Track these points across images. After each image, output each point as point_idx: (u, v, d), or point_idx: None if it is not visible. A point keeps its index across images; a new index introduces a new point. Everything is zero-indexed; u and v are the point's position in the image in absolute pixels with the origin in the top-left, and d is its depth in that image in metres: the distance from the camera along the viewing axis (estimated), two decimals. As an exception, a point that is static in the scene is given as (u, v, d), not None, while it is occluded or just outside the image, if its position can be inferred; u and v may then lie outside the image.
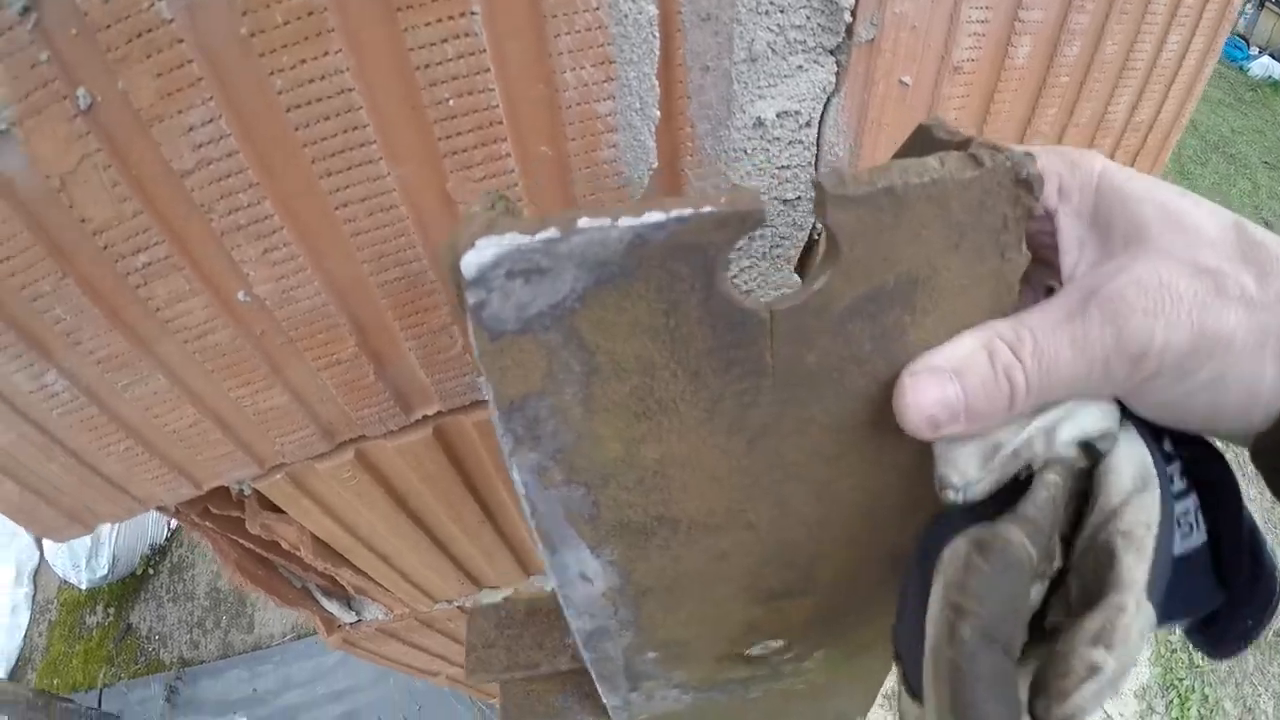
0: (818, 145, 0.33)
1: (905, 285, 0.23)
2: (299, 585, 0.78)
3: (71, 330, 0.33)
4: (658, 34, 0.26)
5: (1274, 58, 4.60)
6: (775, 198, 0.34)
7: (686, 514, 0.28)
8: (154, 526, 2.26)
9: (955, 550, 0.23)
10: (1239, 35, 4.83)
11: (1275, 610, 0.26)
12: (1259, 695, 1.96)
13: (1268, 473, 0.24)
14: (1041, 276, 0.26)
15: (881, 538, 0.32)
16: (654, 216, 0.18)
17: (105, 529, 2.15)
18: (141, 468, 0.45)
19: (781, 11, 0.27)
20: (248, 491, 0.58)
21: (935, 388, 0.23)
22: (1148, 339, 0.22)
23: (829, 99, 0.32)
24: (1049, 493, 0.24)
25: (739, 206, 0.19)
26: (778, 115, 0.31)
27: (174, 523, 2.24)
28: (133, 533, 2.20)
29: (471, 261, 0.18)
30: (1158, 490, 0.24)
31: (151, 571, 2.25)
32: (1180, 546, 0.25)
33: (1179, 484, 0.26)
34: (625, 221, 0.18)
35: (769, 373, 0.23)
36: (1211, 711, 1.89)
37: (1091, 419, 0.24)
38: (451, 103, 0.26)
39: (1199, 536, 0.26)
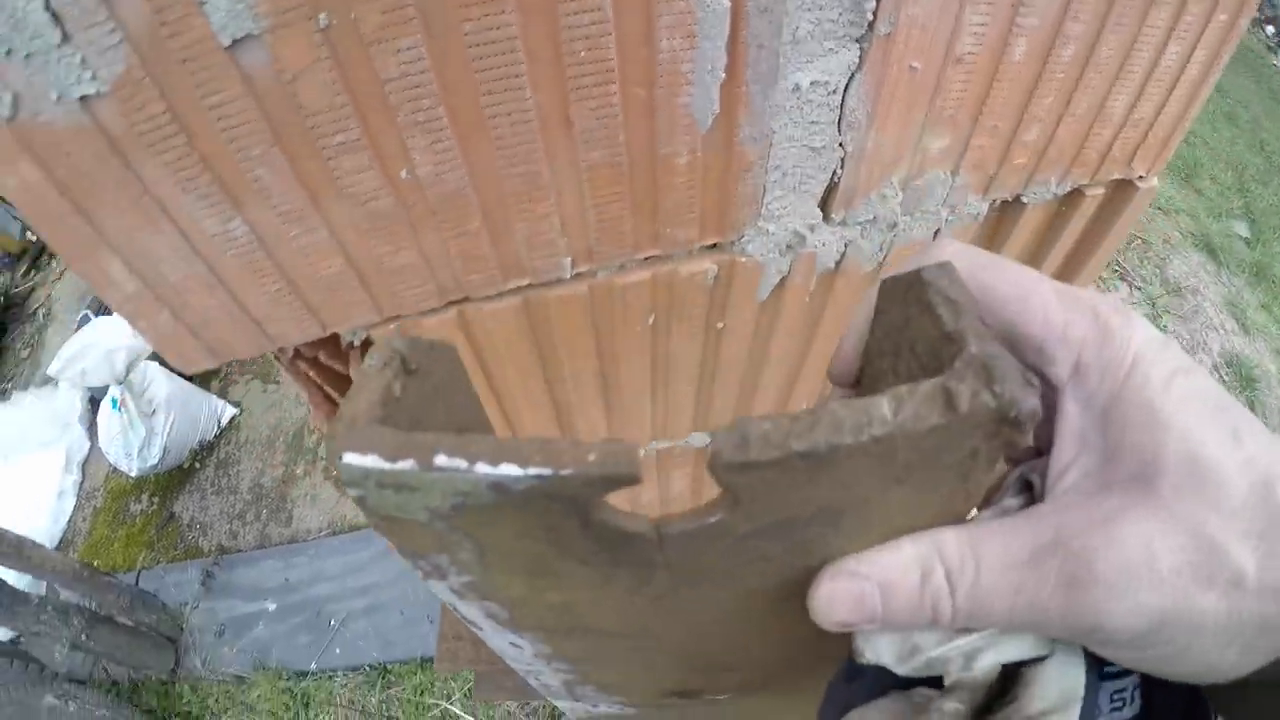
0: (841, 108, 0.44)
1: (827, 514, 0.20)
2: None
3: (265, 187, 0.42)
4: (728, 19, 0.37)
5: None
6: (805, 145, 0.45)
7: (597, 627, 0.28)
8: (205, 423, 2.41)
9: None
10: None
11: None
12: None
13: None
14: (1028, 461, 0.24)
15: (805, 643, 0.30)
16: (510, 470, 0.17)
17: (160, 422, 2.31)
18: (285, 308, 0.54)
19: (820, 8, 0.38)
20: (357, 342, 0.69)
21: (854, 596, 0.21)
22: (1102, 620, 0.19)
23: (852, 75, 0.42)
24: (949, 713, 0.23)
25: (608, 469, 0.17)
26: (811, 83, 0.42)
27: (224, 420, 2.40)
28: (185, 428, 2.35)
29: (342, 470, 0.18)
30: (1078, 709, 0.22)
31: (198, 465, 2.40)
32: (1105, 716, 0.24)
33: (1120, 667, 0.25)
34: (481, 469, 0.17)
35: (661, 566, 0.22)
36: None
37: (1018, 649, 0.22)
38: (582, 54, 0.37)
39: (1130, 711, 0.25)
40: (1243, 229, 3.23)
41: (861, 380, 0.27)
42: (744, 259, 0.61)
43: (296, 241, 0.48)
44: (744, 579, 0.24)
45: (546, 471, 0.17)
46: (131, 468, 2.35)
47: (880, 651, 0.24)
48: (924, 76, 0.45)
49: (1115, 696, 0.24)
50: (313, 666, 1.93)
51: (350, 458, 0.18)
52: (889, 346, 0.24)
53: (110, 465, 2.51)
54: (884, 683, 0.26)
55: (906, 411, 0.18)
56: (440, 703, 1.81)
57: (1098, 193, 0.71)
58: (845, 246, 0.65)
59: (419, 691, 1.84)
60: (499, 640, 0.31)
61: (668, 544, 0.21)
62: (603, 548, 0.21)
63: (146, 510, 2.42)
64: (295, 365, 0.68)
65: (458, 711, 1.78)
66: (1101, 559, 0.19)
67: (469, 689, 1.80)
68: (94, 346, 2.35)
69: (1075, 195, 0.71)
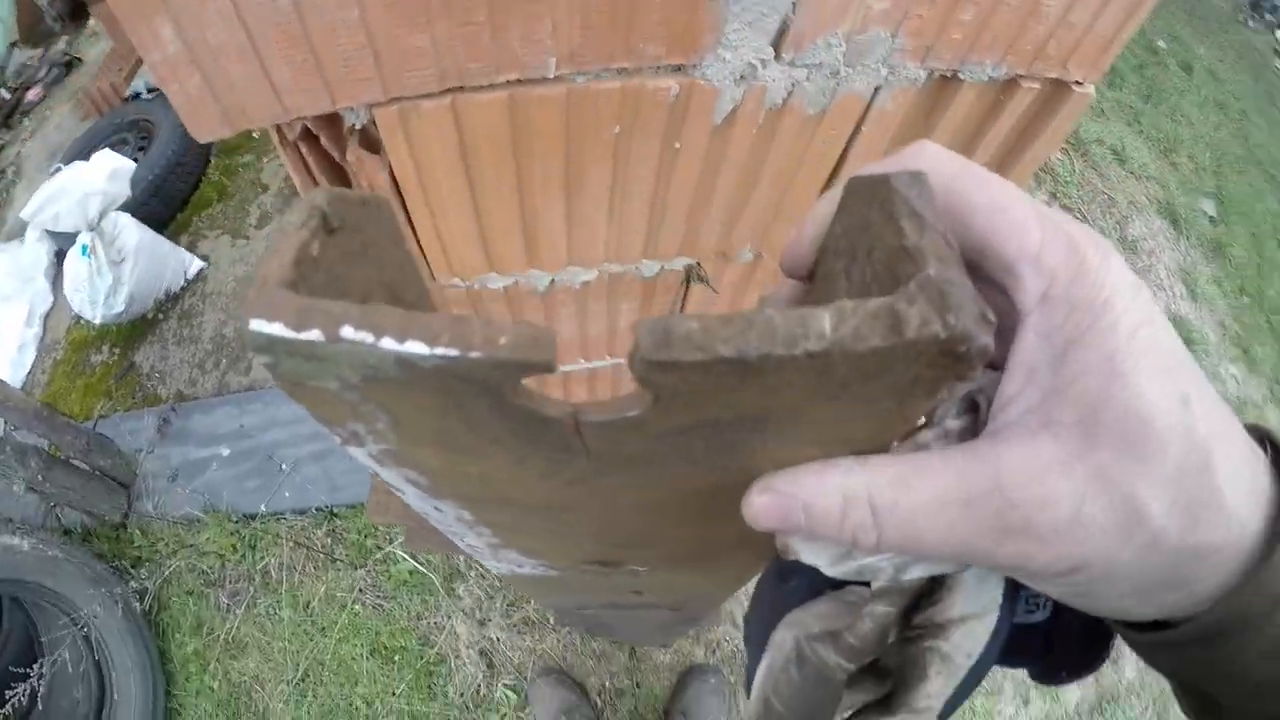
0: None
1: (754, 419, 0.20)
2: None
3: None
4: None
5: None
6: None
7: (516, 500, 0.28)
8: (172, 275, 2.43)
9: (782, 644, 0.25)
10: None
11: (1090, 672, 0.29)
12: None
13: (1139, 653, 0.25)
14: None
15: (726, 529, 0.30)
16: (416, 348, 0.16)
17: (127, 271, 2.32)
18: (304, 80, 0.61)
19: None
20: (358, 125, 0.74)
21: (781, 511, 0.21)
22: (1028, 564, 0.21)
23: None
24: (875, 624, 0.24)
25: (520, 355, 0.16)
26: None
27: (191, 273, 2.42)
28: (151, 278, 2.37)
29: (248, 335, 0.17)
30: (994, 618, 0.24)
31: (162, 316, 2.43)
32: (1019, 618, 0.26)
33: None
34: (388, 344, 0.16)
35: (580, 452, 0.21)
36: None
37: (944, 566, 0.24)
38: None
39: (1040, 615, 0.27)
40: (1210, 208, 3.31)
41: (814, 275, 0.26)
42: (703, 82, 0.68)
43: (330, 16, 0.54)
44: (666, 472, 0.23)
45: (454, 353, 0.16)
46: (96, 315, 2.37)
47: (813, 557, 0.24)
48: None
49: (1029, 601, 0.27)
50: (261, 509, 1.99)
51: (256, 324, 0.17)
52: (845, 247, 0.23)
53: (73, 315, 2.52)
54: (817, 585, 0.27)
55: (847, 328, 0.16)
56: (383, 546, 1.88)
57: (1034, 87, 0.77)
58: (792, 86, 0.72)
59: (363, 535, 1.90)
60: (422, 504, 0.30)
61: (586, 432, 0.20)
62: (518, 430, 0.20)
63: (107, 361, 2.45)
64: (296, 147, 0.73)
65: (400, 554, 1.85)
66: (1036, 514, 0.20)
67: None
68: (68, 191, 2.35)
69: (1012, 85, 0.77)
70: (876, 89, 0.74)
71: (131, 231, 2.36)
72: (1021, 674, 1.92)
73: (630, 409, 0.19)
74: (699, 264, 0.99)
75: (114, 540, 2.08)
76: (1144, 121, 3.40)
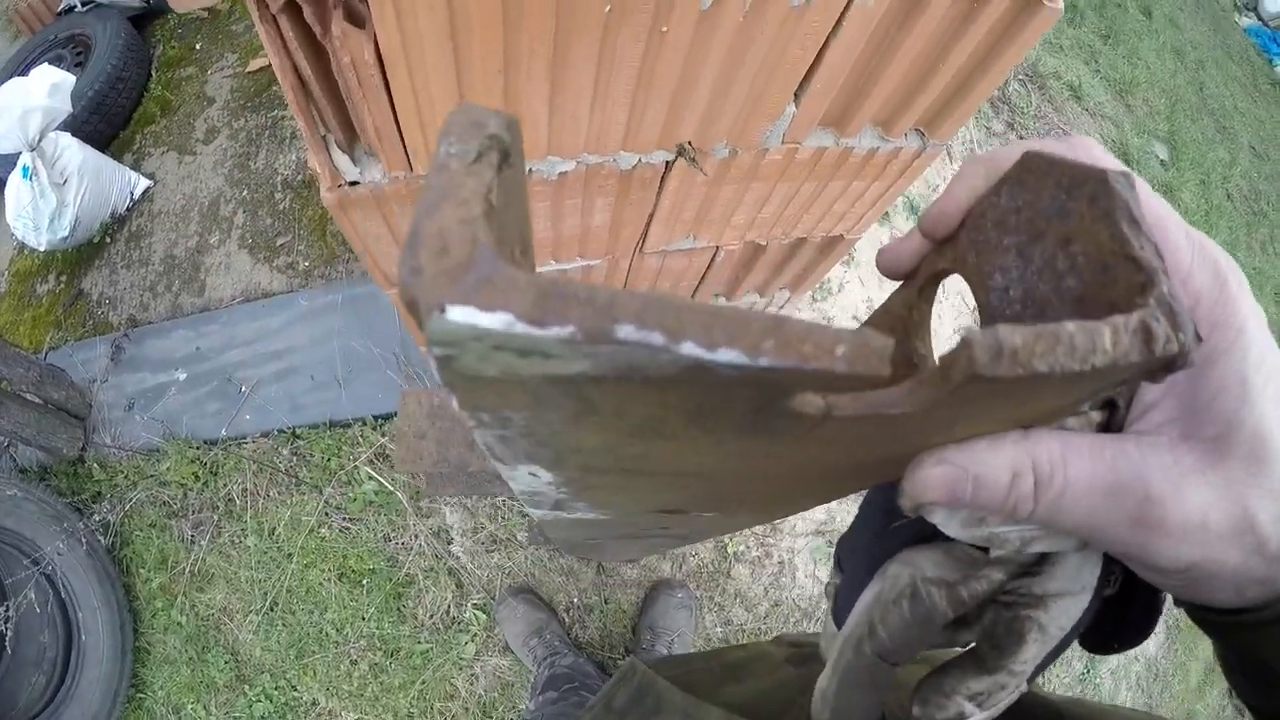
0: None
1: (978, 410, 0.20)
2: (321, 134, 0.91)
3: None
4: None
5: (1309, 65, 4.62)
6: None
7: (650, 469, 0.24)
8: (117, 195, 2.32)
9: (897, 579, 0.27)
10: None
11: (1139, 642, 0.30)
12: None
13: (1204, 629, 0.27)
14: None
15: (818, 495, 0.32)
16: (729, 355, 0.13)
17: (71, 193, 2.22)
18: None
19: None
20: None
21: (950, 482, 0.23)
22: (1152, 557, 0.23)
23: None
24: (988, 587, 0.26)
25: (857, 368, 0.14)
26: None
27: (137, 192, 2.33)
28: (96, 199, 2.26)
29: (438, 329, 0.12)
30: (1089, 597, 0.26)
31: (109, 240, 2.32)
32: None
33: (1115, 588, 0.28)
34: (688, 349, 0.13)
35: (789, 437, 0.20)
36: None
37: (1065, 542, 0.25)
38: None
39: (1112, 590, 0.28)
40: (1163, 152, 3.38)
41: (957, 238, 0.26)
42: None
43: None
44: (849, 449, 0.23)
45: (782, 364, 0.13)
46: (40, 241, 2.26)
47: (948, 518, 0.25)
48: None
49: (1107, 577, 0.28)
50: (222, 434, 1.95)
51: (459, 314, 0.12)
52: (1019, 224, 0.23)
53: (16, 244, 2.41)
54: (925, 531, 0.28)
55: (1121, 346, 0.17)
56: (347, 465, 1.86)
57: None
58: None
59: (326, 455, 1.88)
60: (514, 471, 0.25)
61: (825, 425, 0.18)
62: (756, 424, 0.18)
63: (54, 290, 2.35)
64: (276, 24, 0.69)
65: (366, 471, 1.84)
66: (1171, 514, 0.22)
67: (375, 452, 1.86)
68: (7, 110, 2.22)
69: None
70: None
71: (74, 151, 2.25)
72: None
73: (891, 403, 0.18)
74: (690, 143, 0.99)
75: (72, 476, 2.02)
76: (1101, 61, 3.43)
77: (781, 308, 1.90)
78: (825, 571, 1.91)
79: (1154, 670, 2.28)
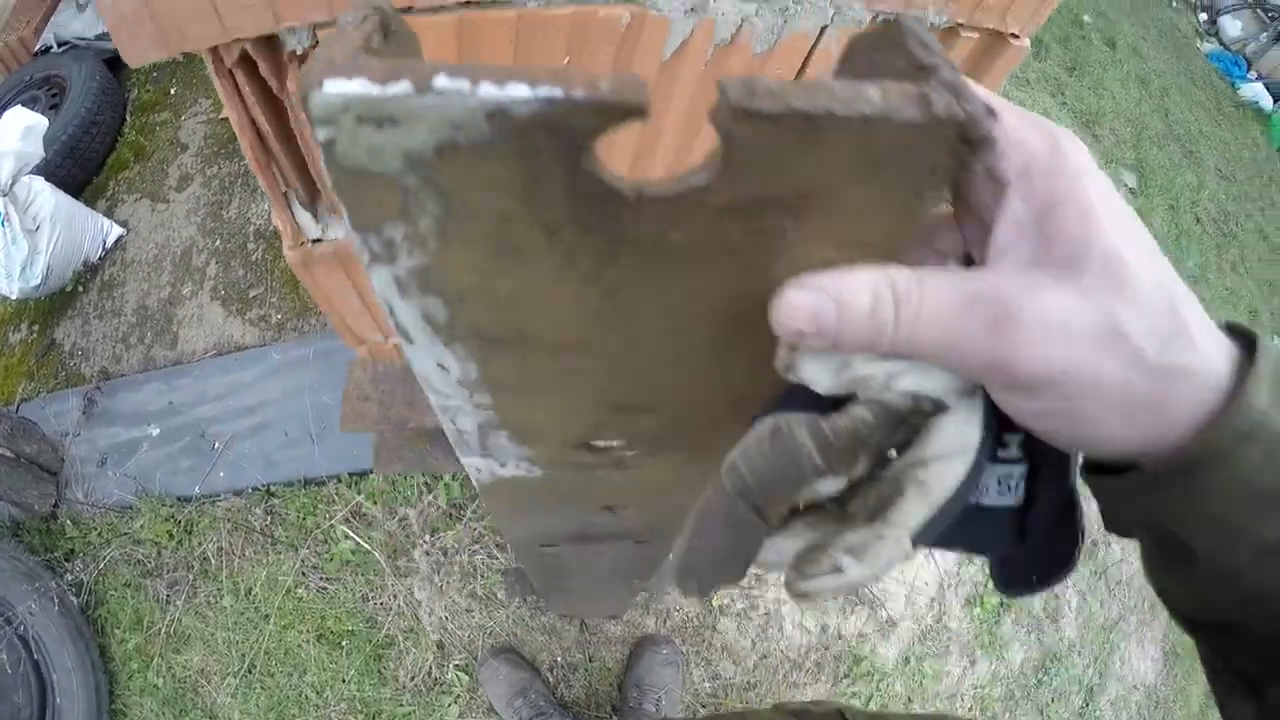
0: None
1: (795, 197, 0.22)
2: (283, 191, 0.89)
3: None
4: None
5: (1268, 89, 4.67)
6: None
7: (538, 335, 0.28)
8: (90, 243, 2.29)
9: (762, 424, 0.27)
10: (1244, 56, 4.89)
11: (1060, 578, 0.30)
12: (1066, 587, 2.24)
13: (1105, 519, 0.28)
14: (973, 232, 0.26)
15: (728, 384, 0.32)
16: (518, 90, 0.17)
17: (44, 240, 2.18)
18: None
19: None
20: (300, 50, 0.69)
21: (813, 306, 0.24)
22: (1016, 355, 0.23)
23: None
24: (851, 424, 0.25)
25: (621, 96, 0.17)
26: None
27: (110, 240, 2.29)
28: (69, 247, 2.22)
29: (317, 102, 0.17)
30: (970, 461, 0.26)
31: (81, 289, 2.28)
32: (990, 500, 0.28)
33: (1014, 452, 0.28)
34: (485, 90, 0.17)
35: (630, 243, 0.23)
36: (1020, 584, 2.16)
37: (932, 381, 0.26)
38: None
39: (1012, 499, 0.29)
40: (1131, 180, 3.41)
41: None
42: (654, 12, 0.66)
43: None
44: (701, 273, 0.25)
45: (557, 93, 0.17)
46: (12, 289, 2.22)
47: (814, 373, 0.26)
48: None
49: (1001, 481, 0.29)
50: (196, 491, 1.91)
51: (331, 85, 0.16)
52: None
53: (-12, 291, 2.37)
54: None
55: (891, 100, 0.19)
56: (323, 524, 1.82)
57: (973, 36, 0.80)
58: (741, 21, 0.71)
59: (302, 514, 1.84)
60: (425, 363, 0.30)
61: (643, 210, 0.21)
62: (577, 211, 0.21)
63: (26, 339, 2.31)
64: (232, 76, 0.68)
65: (342, 530, 1.80)
66: (1025, 312, 0.22)
67: (351, 510, 1.82)
68: (-21, 152, 2.18)
69: (953, 33, 0.79)
70: (823, 29, 0.74)
71: (47, 197, 2.21)
72: (967, 633, 2.00)
73: (697, 178, 0.20)
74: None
75: (44, 532, 1.97)
76: (1068, 93, 3.47)
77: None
78: (813, 622, 1.88)
79: (1154, 698, 2.26)
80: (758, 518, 0.26)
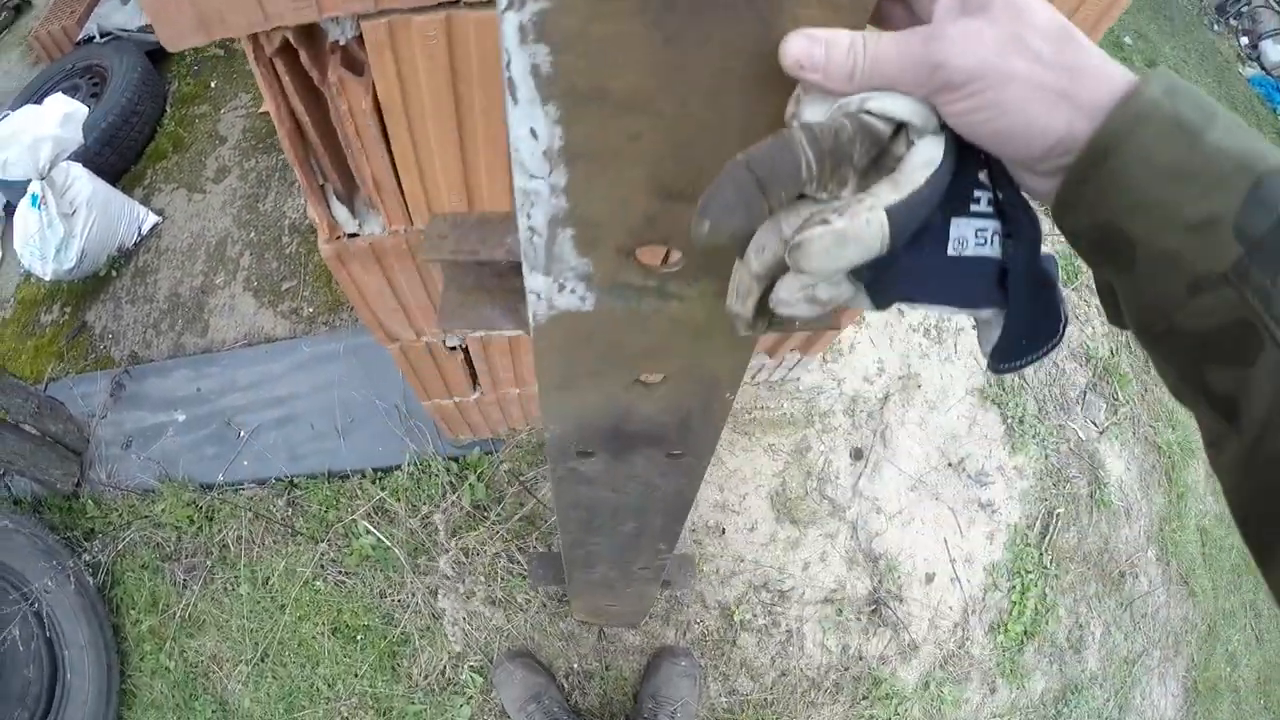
0: None
1: None
2: (320, 183, 0.88)
3: None
4: None
5: (1309, 111, 4.61)
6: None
7: (614, 88, 0.35)
8: (125, 230, 2.31)
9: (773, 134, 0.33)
10: None
11: (1047, 348, 0.36)
12: (1091, 617, 2.20)
13: (1068, 236, 0.34)
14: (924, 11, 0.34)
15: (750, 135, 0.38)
16: None
17: (79, 224, 2.20)
18: None
19: None
20: (344, 40, 0.68)
21: (810, 45, 0.32)
22: (944, 56, 0.30)
23: None
24: (834, 125, 0.31)
25: None
26: None
27: (145, 228, 2.31)
28: (104, 232, 2.24)
29: None
30: (934, 169, 0.31)
31: (115, 274, 2.30)
32: (970, 251, 0.34)
33: (984, 207, 0.34)
34: None
35: None
36: (1048, 611, 2.12)
37: (898, 104, 0.32)
38: None
39: (991, 251, 0.34)
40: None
41: None
42: None
43: None
44: (732, 23, 0.32)
45: None
46: (46, 271, 2.25)
47: (813, 108, 0.33)
48: None
49: (979, 234, 0.34)
50: (219, 479, 1.91)
51: None
52: None
53: (22, 272, 2.39)
54: None
55: None
56: (344, 518, 1.81)
57: None
58: None
59: (324, 507, 1.84)
60: (521, 125, 0.36)
61: None
62: None
63: (58, 321, 2.33)
64: (272, 65, 0.67)
65: (363, 525, 1.79)
66: (949, 30, 0.31)
67: (374, 506, 1.81)
68: (18, 136, 2.21)
69: None
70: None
71: (84, 182, 2.23)
72: (989, 660, 1.96)
73: None
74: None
75: (66, 511, 1.98)
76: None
77: (791, 369, 1.86)
78: (835, 640, 1.85)
79: (1173, 736, 2.20)
80: (760, 191, 0.31)
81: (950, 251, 0.33)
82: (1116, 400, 2.44)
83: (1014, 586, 2.08)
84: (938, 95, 0.32)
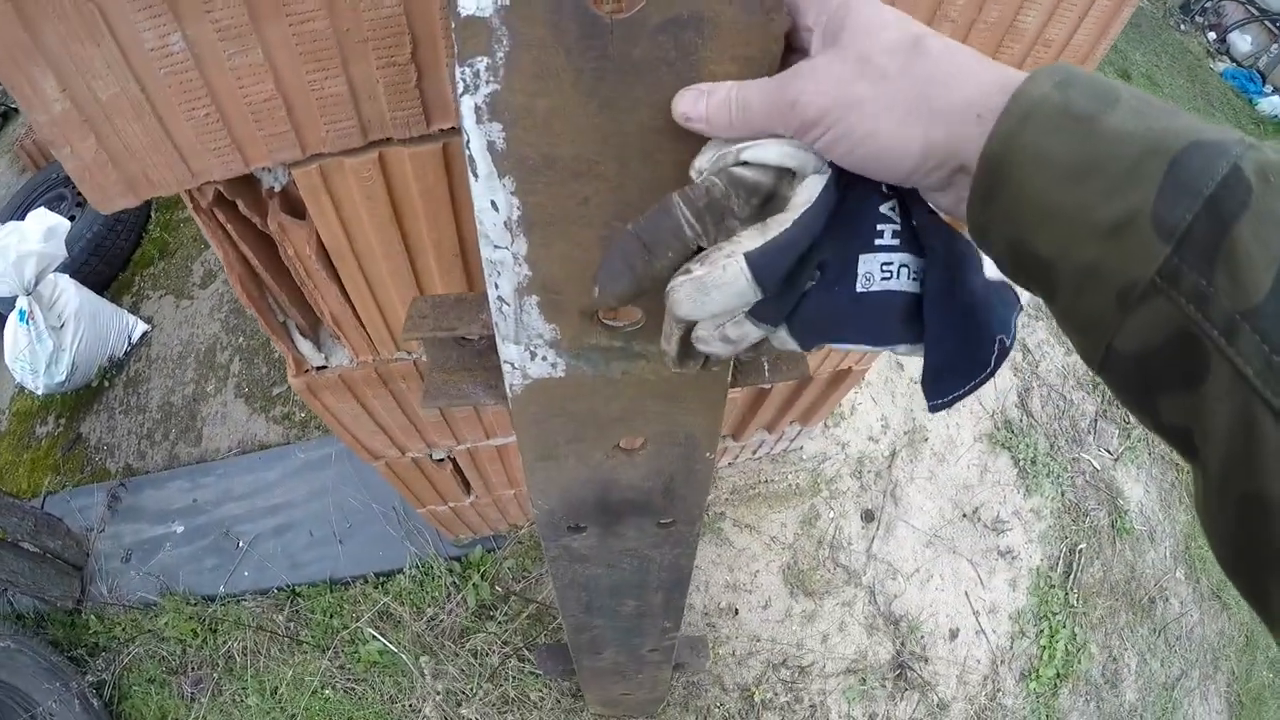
0: None
1: (695, 19, 0.34)
2: (281, 320, 0.86)
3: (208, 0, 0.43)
4: None
5: (1285, 99, 4.60)
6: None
7: (560, 156, 0.38)
8: (115, 339, 2.30)
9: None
10: (1258, 70, 4.84)
11: (982, 379, 0.34)
12: (1124, 649, 2.14)
13: (997, 265, 0.32)
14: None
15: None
16: None
17: (69, 337, 2.20)
18: (209, 137, 0.52)
19: None
20: (278, 187, 0.66)
21: (696, 98, 0.35)
22: (797, 94, 0.31)
23: None
24: (705, 185, 0.34)
25: None
26: None
27: (135, 336, 2.30)
28: (94, 343, 2.24)
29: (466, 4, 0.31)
30: (804, 210, 0.32)
31: (107, 384, 2.30)
32: (878, 285, 0.34)
33: (889, 240, 0.34)
34: None
35: (612, 59, 0.35)
36: (1079, 650, 2.06)
37: (768, 151, 0.33)
38: None
39: (899, 284, 0.34)
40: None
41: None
42: None
43: (231, 61, 0.47)
44: (655, 85, 0.36)
45: None
46: (38, 385, 2.24)
47: (701, 161, 0.36)
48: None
49: (884, 268, 0.34)
50: (220, 590, 1.88)
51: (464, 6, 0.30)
52: None
53: (15, 385, 2.39)
54: None
55: None
56: (349, 625, 1.77)
57: None
58: None
59: (328, 614, 1.80)
60: (483, 199, 0.39)
61: (615, 28, 0.34)
62: (581, 34, 0.34)
63: (53, 433, 2.32)
64: (213, 215, 0.66)
65: (368, 632, 1.75)
66: (803, 70, 0.32)
67: (378, 611, 1.77)
68: (2, 254, 2.22)
69: None
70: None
71: (71, 294, 2.24)
72: (1024, 709, 1.90)
73: (637, 5, 0.33)
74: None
75: (69, 627, 1.95)
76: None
77: (794, 440, 1.83)
78: (861, 710, 1.79)
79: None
80: (647, 254, 0.34)
81: (858, 288, 0.34)
82: (1129, 424, 2.40)
83: (1042, 630, 2.03)
84: (804, 134, 0.32)
